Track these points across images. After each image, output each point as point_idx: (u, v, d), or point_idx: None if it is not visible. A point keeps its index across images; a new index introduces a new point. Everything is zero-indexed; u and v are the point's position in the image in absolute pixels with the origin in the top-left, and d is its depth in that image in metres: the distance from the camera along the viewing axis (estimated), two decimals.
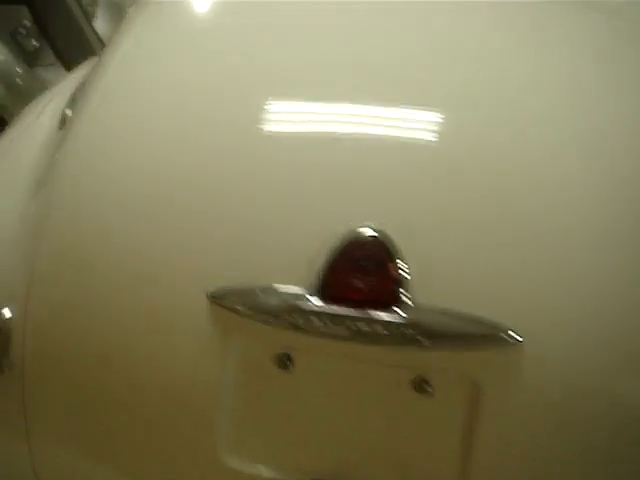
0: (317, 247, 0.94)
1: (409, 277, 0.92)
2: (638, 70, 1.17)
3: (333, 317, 0.92)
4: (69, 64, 2.90)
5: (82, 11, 3.35)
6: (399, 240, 0.93)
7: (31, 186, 1.21)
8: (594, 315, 0.93)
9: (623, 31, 1.30)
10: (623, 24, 1.33)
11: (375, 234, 0.94)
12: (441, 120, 1.09)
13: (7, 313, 1.10)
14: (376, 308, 0.92)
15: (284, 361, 0.96)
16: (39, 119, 1.42)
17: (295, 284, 0.94)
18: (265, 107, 1.11)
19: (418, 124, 1.08)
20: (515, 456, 0.93)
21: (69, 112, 1.30)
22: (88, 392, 1.07)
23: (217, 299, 0.96)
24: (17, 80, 3.03)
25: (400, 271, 0.92)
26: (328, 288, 0.93)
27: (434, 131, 1.08)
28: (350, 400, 0.96)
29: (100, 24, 3.52)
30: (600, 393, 0.92)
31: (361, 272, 0.93)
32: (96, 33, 3.28)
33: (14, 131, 1.45)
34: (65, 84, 1.62)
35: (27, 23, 3.23)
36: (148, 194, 1.06)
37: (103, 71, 1.27)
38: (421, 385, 0.93)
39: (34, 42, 3.29)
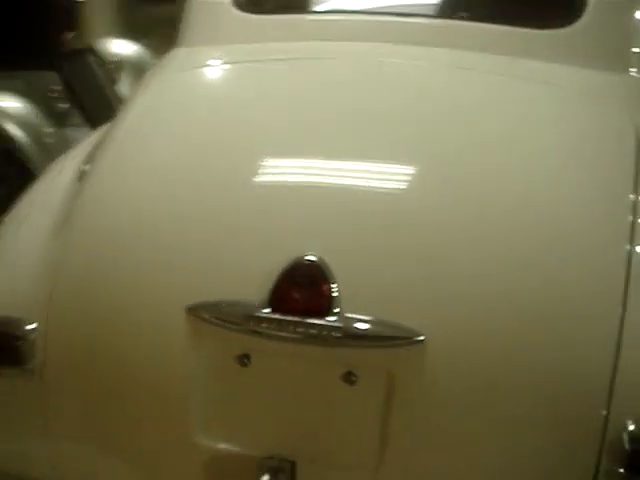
0: (270, 270, 1.22)
1: (338, 293, 1.19)
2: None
3: (280, 324, 1.19)
4: (95, 125, 3.24)
5: (106, 76, 3.74)
6: (332, 265, 1.21)
7: (53, 229, 1.51)
8: (483, 319, 1.19)
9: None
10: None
11: (314, 259, 1.21)
12: (376, 171, 1.38)
13: (32, 326, 1.39)
14: (313, 316, 1.19)
15: (243, 360, 1.23)
16: (62, 174, 1.73)
17: (252, 299, 1.21)
18: (243, 162, 1.41)
19: (360, 177, 1.38)
20: (424, 430, 1.18)
21: (86, 167, 1.61)
22: (96, 389, 1.34)
23: (193, 311, 1.24)
24: (46, 139, 3.37)
25: (332, 288, 1.19)
26: (277, 302, 1.20)
27: (369, 179, 1.37)
28: (294, 390, 1.22)
29: (123, 87, 3.90)
30: (491, 380, 1.18)
31: (302, 289, 1.20)
32: (119, 96, 3.64)
33: (41, 183, 1.76)
34: (85, 144, 1.93)
35: (57, 87, 3.60)
36: (145, 235, 1.36)
37: (115, 133, 1.59)
38: (348, 377, 1.19)
39: (63, 104, 3.65)
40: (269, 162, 1.43)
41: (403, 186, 1.37)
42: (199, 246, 1.30)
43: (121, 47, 4.20)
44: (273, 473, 1.18)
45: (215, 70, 1.86)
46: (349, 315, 1.18)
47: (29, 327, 1.38)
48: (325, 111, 1.53)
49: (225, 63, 1.86)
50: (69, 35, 3.67)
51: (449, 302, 1.20)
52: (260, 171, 1.42)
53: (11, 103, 3.44)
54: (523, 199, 1.32)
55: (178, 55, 1.94)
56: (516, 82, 1.64)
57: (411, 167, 1.39)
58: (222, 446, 1.24)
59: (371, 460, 1.18)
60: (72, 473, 1.40)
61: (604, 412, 1.17)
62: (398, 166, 1.40)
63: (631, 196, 1.35)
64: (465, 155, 1.40)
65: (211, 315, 1.23)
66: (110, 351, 1.32)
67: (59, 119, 3.57)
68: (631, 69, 1.75)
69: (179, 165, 1.45)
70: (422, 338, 1.16)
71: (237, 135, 1.48)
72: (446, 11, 1.98)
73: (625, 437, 1.15)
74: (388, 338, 1.17)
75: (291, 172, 1.41)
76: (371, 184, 1.37)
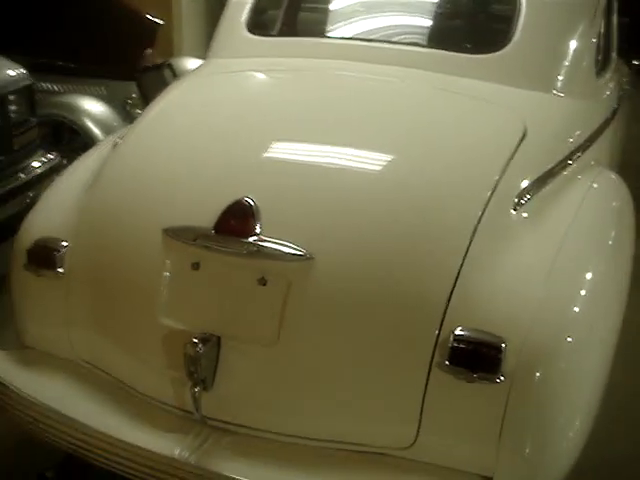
0: (219, 206, 1.77)
1: (260, 223, 1.73)
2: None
3: (220, 241, 1.75)
4: None
5: None
6: (260, 205, 1.76)
7: (88, 182, 2.12)
8: (359, 247, 1.71)
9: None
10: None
11: (248, 201, 1.76)
12: (313, 150, 1.93)
13: (64, 243, 2.00)
14: (241, 238, 1.73)
15: (195, 266, 1.79)
16: (105, 145, 2.36)
17: (205, 225, 1.77)
18: (224, 138, 2.01)
19: (299, 153, 1.93)
20: (308, 320, 1.70)
21: (119, 140, 2.23)
22: (101, 287, 1.93)
23: (166, 231, 1.81)
24: None
25: (256, 220, 1.74)
26: (220, 227, 1.75)
27: (305, 155, 1.92)
28: (226, 287, 1.77)
29: None
30: (360, 287, 1.68)
31: (237, 219, 1.76)
32: None
33: (90, 151, 2.40)
34: (128, 127, 2.57)
35: (134, 95, 4.30)
36: (142, 183, 1.96)
37: (142, 118, 2.21)
38: (262, 280, 1.73)
39: (139, 110, 4.34)
40: (244, 139, 2.00)
41: (323, 160, 1.92)
42: (177, 191, 1.89)
43: (194, 64, 4.91)
44: (204, 342, 1.72)
45: (229, 75, 2.46)
46: (264, 237, 1.72)
47: (63, 243, 2.00)
48: (294, 108, 2.11)
49: (236, 71, 2.46)
50: (149, 51, 4.38)
51: (333, 234, 1.73)
52: (233, 144, 1.99)
53: (94, 106, 4.17)
54: (412, 171, 1.85)
55: (205, 64, 2.59)
56: (445, 94, 2.17)
57: (335, 145, 1.94)
58: (175, 325, 1.79)
59: (272, 338, 1.71)
60: (83, 350, 1.99)
61: (440, 320, 1.65)
62: (329, 147, 1.95)
63: (495, 177, 1.84)
64: (382, 138, 1.94)
65: (177, 234, 1.80)
66: (112, 259, 1.91)
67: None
68: (553, 89, 2.24)
69: (180, 137, 2.06)
70: (311, 256, 1.70)
71: (231, 119, 2.09)
72: (409, 38, 2.52)
73: (451, 338, 1.63)
74: (288, 255, 1.71)
75: (253, 146, 1.97)
76: (304, 159, 1.94)
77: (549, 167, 2.01)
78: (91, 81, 4.23)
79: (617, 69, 3.00)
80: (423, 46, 2.38)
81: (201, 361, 1.70)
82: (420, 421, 1.66)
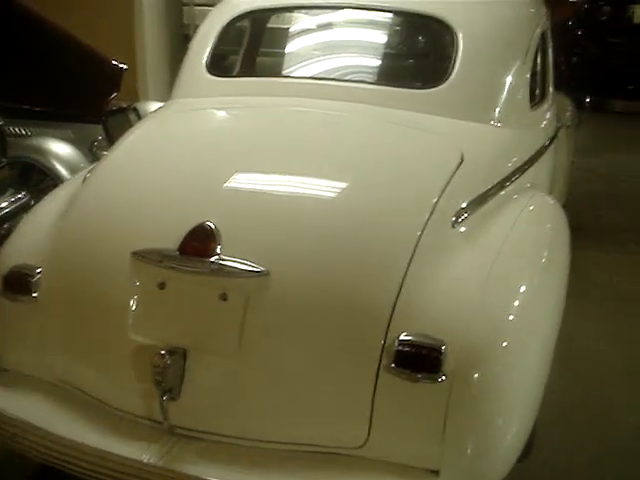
0: (183, 230, 1.93)
1: (221, 245, 1.89)
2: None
3: (184, 262, 1.90)
4: None
5: None
6: (221, 229, 1.92)
7: (61, 212, 2.27)
8: (311, 264, 1.87)
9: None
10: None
11: (209, 225, 1.93)
12: (268, 177, 2.11)
13: (38, 269, 2.14)
14: (203, 258, 1.89)
15: (162, 285, 1.94)
16: (75, 180, 2.51)
17: (170, 247, 1.92)
18: (187, 167, 2.19)
19: (255, 180, 2.11)
20: (265, 331, 1.85)
21: (88, 174, 2.38)
22: (73, 309, 2.06)
23: (134, 254, 1.96)
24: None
25: (217, 242, 1.90)
26: (184, 249, 1.91)
27: (260, 182, 2.09)
28: (190, 304, 1.92)
29: None
30: (311, 300, 1.84)
31: (200, 241, 1.91)
32: None
33: (62, 185, 2.55)
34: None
35: (100, 138, 4.45)
36: (111, 211, 2.11)
37: (110, 153, 2.38)
38: (223, 296, 1.88)
39: (105, 152, 4.48)
40: (205, 168, 2.18)
41: (277, 186, 2.11)
42: (143, 217, 2.05)
43: (158, 107, 5.09)
44: (171, 354, 1.86)
45: (190, 112, 2.65)
46: (224, 257, 1.88)
47: (37, 270, 2.14)
48: (250, 140, 2.29)
49: (197, 109, 2.65)
50: (113, 96, 4.55)
51: (287, 251, 1.90)
52: (195, 173, 2.16)
53: (62, 148, 4.30)
54: (357, 195, 2.04)
55: (168, 104, 2.77)
56: (388, 126, 2.37)
57: (287, 173, 2.13)
58: (144, 340, 1.93)
59: (233, 349, 1.86)
60: (59, 371, 2.10)
61: (386, 327, 1.82)
62: (281, 174, 2.14)
63: (434, 198, 2.03)
64: (330, 166, 2.13)
65: (144, 257, 1.95)
66: (83, 282, 2.05)
67: None
68: (489, 120, 2.46)
69: (145, 168, 2.23)
70: (267, 272, 1.86)
71: (193, 151, 2.26)
72: (357, 76, 2.74)
73: (396, 342, 1.80)
74: (245, 271, 1.87)
75: (213, 175, 2.14)
76: (259, 186, 2.11)
77: (485, 189, 2.21)
78: (59, 124, 4.37)
79: (555, 102, 3.25)
80: (370, 83, 2.60)
81: (168, 371, 1.84)
82: (371, 421, 1.82)
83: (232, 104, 2.58)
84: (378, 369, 1.81)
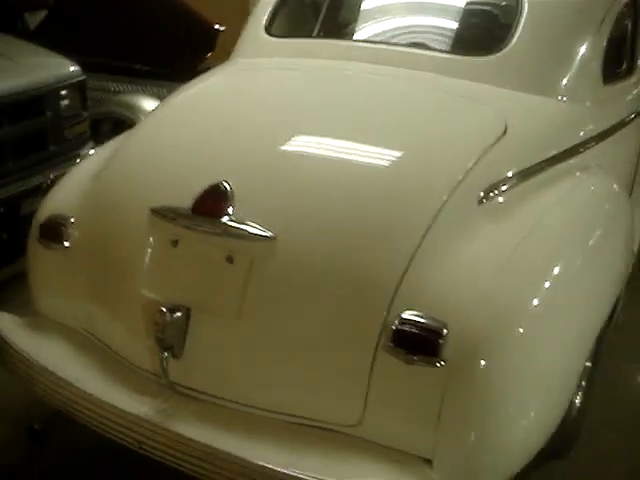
0: (198, 190, 1.91)
1: (232, 206, 1.86)
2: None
3: (196, 221, 1.89)
4: None
5: None
6: (235, 190, 1.88)
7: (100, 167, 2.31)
8: (318, 230, 1.81)
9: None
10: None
11: (224, 185, 1.89)
12: (298, 141, 2.04)
13: (72, 220, 2.19)
14: (215, 218, 1.86)
15: (175, 243, 1.93)
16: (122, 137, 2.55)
17: (184, 205, 1.91)
18: (220, 125, 2.18)
19: (281, 143, 2.04)
20: (268, 294, 1.81)
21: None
22: (98, 258, 2.11)
23: (152, 211, 1.96)
24: None
25: (229, 204, 1.87)
26: (197, 208, 1.89)
27: (290, 144, 2.03)
28: (199, 263, 1.90)
29: None
30: (317, 267, 1.78)
31: (213, 202, 1.89)
32: None
33: (110, 142, 2.61)
34: None
35: None
36: (146, 163, 2.13)
37: (151, 113, 2.40)
38: (230, 258, 1.85)
39: None
40: (235, 128, 2.14)
41: (300, 150, 2.04)
42: (166, 175, 2.05)
43: None
44: (173, 311, 1.85)
45: (236, 73, 2.63)
46: (235, 219, 1.85)
47: (70, 220, 2.19)
48: (288, 102, 2.23)
49: (245, 69, 2.63)
50: (207, 55, 4.61)
51: (298, 217, 1.85)
52: (224, 133, 2.13)
53: (153, 105, 4.39)
54: (381, 162, 1.95)
55: (226, 64, 2.75)
56: (436, 93, 2.25)
57: (316, 136, 2.05)
58: (152, 296, 1.94)
59: (234, 311, 1.83)
60: (82, 319, 2.16)
61: (389, 303, 1.73)
62: (310, 138, 2.06)
63: (463, 171, 1.90)
64: (362, 131, 2.04)
65: (160, 213, 1.95)
66: (108, 234, 2.09)
67: None
68: (547, 92, 2.28)
69: (178, 127, 2.22)
70: (274, 237, 1.81)
71: (229, 111, 2.24)
72: (409, 40, 2.60)
73: (397, 320, 1.71)
74: (252, 235, 1.82)
75: (241, 135, 2.10)
76: (283, 148, 2.03)
77: (528, 165, 2.05)
78: (151, 82, 4.49)
79: None
80: (429, 49, 2.46)
81: (168, 329, 1.84)
82: (366, 400, 1.74)
83: (283, 65, 2.52)
84: (377, 346, 1.72)
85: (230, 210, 1.86)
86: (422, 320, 1.69)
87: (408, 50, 2.46)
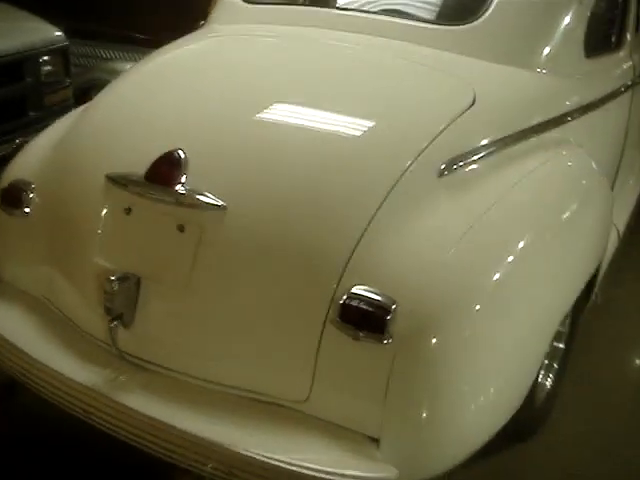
0: (152, 156, 1.86)
1: (185, 175, 1.81)
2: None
3: (148, 188, 1.84)
4: None
5: None
6: (192, 159, 1.83)
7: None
8: (269, 201, 1.75)
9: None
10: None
11: (179, 153, 1.84)
12: (258, 105, 1.98)
13: (32, 185, 2.15)
14: (167, 187, 1.81)
15: (128, 210, 1.89)
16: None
17: (138, 172, 1.86)
18: (182, 89, 2.13)
19: (237, 109, 1.98)
20: (216, 263, 1.76)
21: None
22: (57, 224, 2.06)
23: (107, 177, 1.92)
24: None
25: (183, 172, 1.81)
26: (150, 176, 1.84)
27: (248, 112, 1.97)
28: (150, 232, 1.86)
29: None
30: (266, 238, 1.73)
31: (166, 169, 1.84)
32: None
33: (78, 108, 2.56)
34: None
35: None
36: (103, 129, 2.07)
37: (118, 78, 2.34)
38: (181, 227, 1.81)
39: None
40: (195, 96, 2.08)
41: (257, 118, 1.96)
42: (124, 141, 2.00)
43: None
44: (122, 280, 1.81)
45: (216, 39, 2.55)
46: (187, 187, 1.80)
47: (31, 186, 2.15)
48: (256, 70, 2.18)
49: (225, 35, 2.55)
50: (200, 23, 4.51)
51: (249, 187, 1.79)
52: (184, 100, 2.07)
53: None
54: (339, 130, 1.90)
55: (202, 29, 2.68)
56: (403, 62, 2.17)
57: (275, 105, 1.99)
58: (104, 263, 1.90)
59: (183, 281, 1.79)
60: (42, 286, 2.12)
61: (339, 276, 1.68)
62: (268, 106, 1.99)
63: (424, 142, 1.84)
64: (322, 99, 1.99)
65: (114, 180, 1.91)
66: (66, 200, 2.05)
67: None
68: (521, 64, 2.20)
69: (139, 94, 2.18)
70: (225, 207, 1.76)
71: (192, 78, 2.18)
72: (386, 7, 2.51)
73: (345, 295, 1.66)
74: (203, 204, 1.78)
75: (200, 103, 2.04)
76: (241, 116, 1.96)
77: (496, 138, 1.98)
78: (142, 49, 4.41)
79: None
80: (402, 16, 2.37)
81: (116, 297, 1.80)
82: (314, 375, 1.69)
83: (254, 32, 2.45)
84: (325, 320, 1.68)
85: (183, 178, 1.81)
86: (370, 295, 1.64)
87: (382, 18, 2.37)
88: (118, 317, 1.82)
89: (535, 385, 2.12)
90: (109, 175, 1.91)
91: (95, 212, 1.95)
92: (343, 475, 1.57)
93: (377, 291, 1.64)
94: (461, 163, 1.87)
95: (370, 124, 1.90)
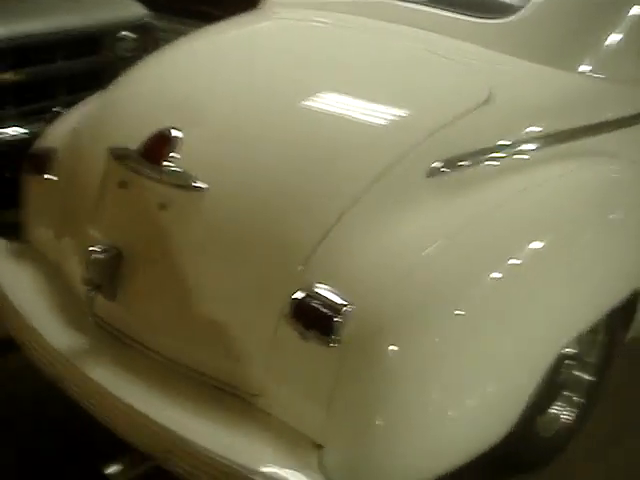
0: (149, 134, 1.86)
1: (175, 154, 1.79)
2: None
3: (138, 163, 1.84)
4: None
5: None
6: (185, 138, 1.81)
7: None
8: (248, 186, 1.71)
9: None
10: None
11: (172, 132, 1.83)
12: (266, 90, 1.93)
13: (56, 153, 2.22)
14: (156, 163, 1.81)
15: (122, 184, 1.90)
16: None
17: (133, 147, 1.87)
18: (198, 72, 2.11)
19: (242, 93, 1.94)
20: (195, 238, 1.74)
21: None
22: (68, 193, 2.12)
23: (109, 150, 1.94)
24: None
25: (174, 151, 1.80)
26: (144, 152, 1.84)
27: (249, 97, 1.93)
28: (138, 207, 1.86)
29: None
30: (239, 222, 1.69)
31: (156, 146, 1.83)
32: None
33: None
34: None
35: None
36: (118, 104, 2.11)
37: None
38: (163, 205, 1.79)
39: None
40: (203, 77, 2.06)
41: (256, 102, 1.90)
42: (132, 116, 2.02)
43: None
44: (104, 252, 1.82)
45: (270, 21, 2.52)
46: (172, 166, 1.78)
47: (55, 153, 2.23)
48: (267, 54, 2.12)
49: (259, 20, 2.53)
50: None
51: (233, 173, 1.76)
52: (191, 80, 2.05)
53: None
54: (332, 120, 1.82)
55: (256, 11, 2.65)
56: (428, 55, 2.05)
57: (278, 91, 1.92)
58: (95, 234, 1.93)
59: (159, 257, 1.79)
60: (53, 249, 2.19)
61: (300, 271, 1.60)
62: (272, 92, 1.93)
63: (417, 139, 1.72)
64: (327, 88, 1.91)
65: (113, 154, 1.93)
66: (78, 170, 2.10)
67: None
68: (568, 65, 2.03)
69: (157, 72, 2.20)
70: (205, 189, 1.73)
71: (209, 59, 2.17)
72: None
73: (299, 292, 1.57)
74: (185, 184, 1.76)
75: (205, 84, 2.01)
76: (240, 100, 1.92)
77: (508, 142, 1.82)
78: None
79: None
80: (437, 6, 2.23)
81: (95, 268, 1.82)
82: (267, 370, 1.63)
83: (289, 16, 2.41)
84: (280, 315, 1.61)
85: (172, 157, 1.80)
86: (324, 295, 1.55)
87: (421, 8, 2.24)
88: (97, 287, 1.84)
89: (537, 414, 1.96)
90: (110, 148, 1.94)
91: (97, 183, 1.98)
92: (264, 475, 1.50)
93: (334, 291, 1.55)
94: (461, 164, 1.74)
95: (367, 116, 1.81)
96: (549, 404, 2.15)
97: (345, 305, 1.52)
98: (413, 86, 1.89)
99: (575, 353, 2.16)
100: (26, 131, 3.10)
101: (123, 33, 3.40)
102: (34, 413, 2.30)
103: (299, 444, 1.58)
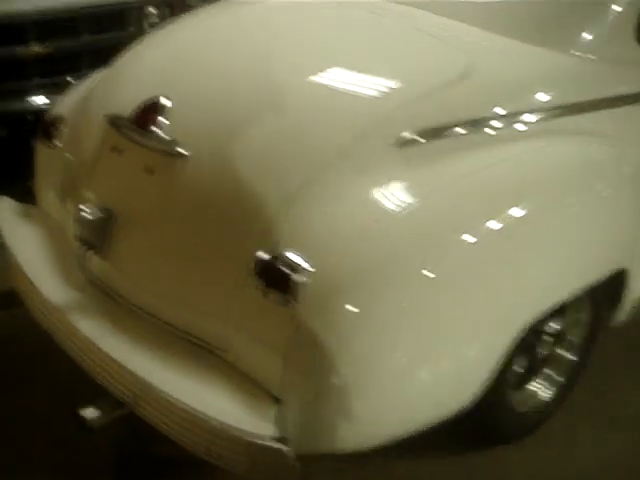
0: (139, 102, 1.96)
1: (163, 120, 1.89)
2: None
3: (127, 129, 1.95)
4: None
5: None
6: (174, 107, 1.91)
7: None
8: (231, 151, 1.79)
9: None
10: None
11: (161, 100, 1.93)
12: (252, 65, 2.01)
13: (65, 121, 2.34)
14: (145, 130, 1.90)
15: (114, 149, 2.01)
16: None
17: (126, 115, 1.97)
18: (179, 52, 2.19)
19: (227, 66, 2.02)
20: (177, 198, 1.83)
21: None
22: (71, 158, 2.23)
23: (105, 117, 2.04)
24: None
25: (162, 118, 1.89)
26: (135, 119, 1.94)
27: (236, 71, 2.00)
28: (129, 171, 1.96)
29: None
30: (220, 188, 1.77)
31: (145, 113, 1.93)
32: None
33: None
34: None
35: None
36: (119, 75, 2.22)
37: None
38: (150, 170, 1.89)
39: None
40: (193, 52, 2.15)
41: (241, 75, 1.98)
42: (129, 86, 2.13)
43: None
44: (95, 213, 1.94)
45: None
46: (159, 133, 1.88)
47: (64, 121, 2.35)
48: (259, 33, 2.20)
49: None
50: None
51: (210, 138, 1.84)
52: (183, 54, 2.15)
53: None
54: (308, 92, 1.89)
55: None
56: (416, 33, 2.09)
57: (264, 65, 2.00)
58: (89, 196, 2.04)
59: (145, 219, 1.90)
60: (60, 211, 2.31)
61: (268, 232, 1.68)
62: (256, 66, 2.00)
63: (389, 109, 1.79)
64: (308, 64, 1.97)
65: (108, 120, 2.03)
66: (80, 136, 2.21)
67: None
68: (559, 46, 2.06)
69: (154, 48, 2.29)
70: (187, 155, 1.83)
71: (198, 38, 2.26)
72: None
73: (262, 251, 1.65)
74: (168, 150, 1.85)
75: (194, 58, 2.11)
76: (226, 73, 2.01)
77: (486, 115, 1.86)
78: None
79: None
80: None
81: (86, 227, 1.94)
82: (233, 326, 1.72)
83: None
84: (246, 273, 1.69)
85: (161, 124, 1.90)
86: (287, 255, 1.62)
87: None
88: (89, 246, 1.96)
89: (508, 387, 2.00)
90: (106, 115, 2.04)
91: (94, 148, 2.09)
92: (223, 424, 1.58)
93: (297, 252, 1.62)
94: (433, 136, 1.78)
95: (341, 87, 1.88)
96: (528, 379, 2.19)
97: (306, 266, 1.59)
98: (392, 61, 1.94)
99: (557, 330, 2.19)
100: (50, 102, 3.23)
101: (149, 9, 3.51)
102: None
103: (259, 397, 1.66)
